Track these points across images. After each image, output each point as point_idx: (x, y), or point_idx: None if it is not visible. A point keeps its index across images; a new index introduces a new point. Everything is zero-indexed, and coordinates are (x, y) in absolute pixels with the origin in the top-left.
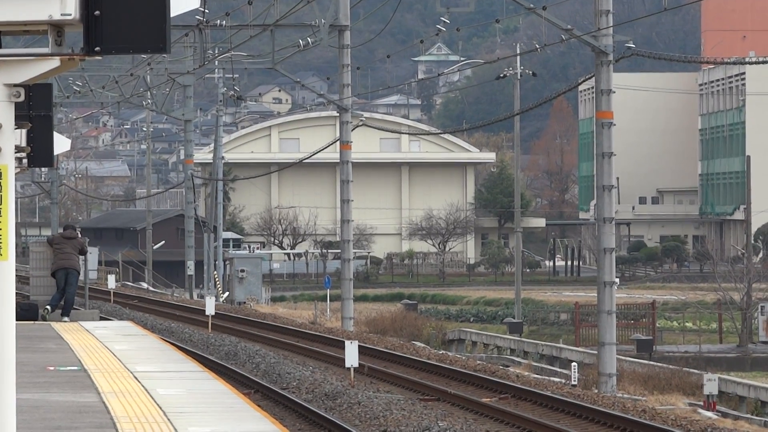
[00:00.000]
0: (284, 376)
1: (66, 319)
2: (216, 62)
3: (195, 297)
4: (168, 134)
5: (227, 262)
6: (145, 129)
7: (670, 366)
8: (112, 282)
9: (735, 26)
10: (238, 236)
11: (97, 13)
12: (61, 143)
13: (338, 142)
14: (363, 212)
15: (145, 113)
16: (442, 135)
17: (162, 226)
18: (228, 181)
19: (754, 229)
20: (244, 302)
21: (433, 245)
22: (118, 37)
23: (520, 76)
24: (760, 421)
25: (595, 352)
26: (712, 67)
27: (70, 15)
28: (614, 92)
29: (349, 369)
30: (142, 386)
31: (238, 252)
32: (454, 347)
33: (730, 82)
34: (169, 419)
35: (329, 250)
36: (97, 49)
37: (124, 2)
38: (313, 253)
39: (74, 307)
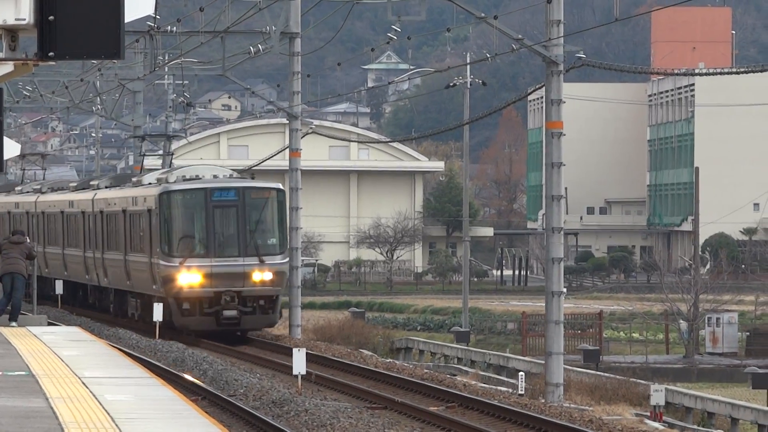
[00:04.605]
0: (231, 383)
1: (14, 324)
2: (166, 68)
3: None
4: (117, 140)
5: None
6: (94, 135)
7: (617, 376)
8: (59, 287)
9: (685, 38)
10: None
11: (51, 18)
12: (10, 148)
13: (287, 150)
14: (311, 220)
15: (95, 119)
16: (391, 143)
17: None
18: None
19: (701, 240)
20: None
21: (381, 253)
22: (72, 43)
23: (470, 85)
24: None
25: (542, 361)
26: (661, 78)
27: (24, 20)
28: (564, 102)
29: (296, 376)
30: (90, 392)
31: None
32: (402, 356)
33: (680, 93)
34: (117, 425)
35: None
36: (51, 54)
37: (78, 8)
38: None
39: (21, 312)
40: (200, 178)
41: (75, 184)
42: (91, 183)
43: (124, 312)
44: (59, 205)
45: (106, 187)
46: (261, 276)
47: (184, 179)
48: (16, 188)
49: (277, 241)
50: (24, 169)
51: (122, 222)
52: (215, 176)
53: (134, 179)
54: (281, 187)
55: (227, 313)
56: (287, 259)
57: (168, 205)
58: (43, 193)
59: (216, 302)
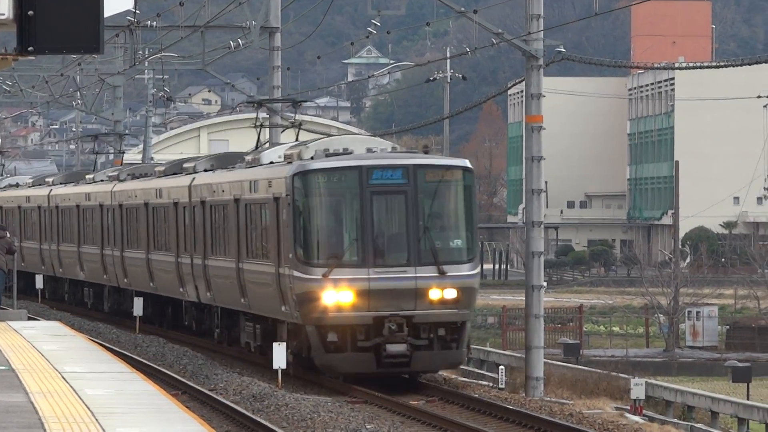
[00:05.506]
0: (212, 378)
1: None
2: (146, 63)
3: None
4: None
5: None
6: (74, 129)
7: (598, 370)
8: (39, 282)
9: (665, 32)
10: None
11: (30, 13)
12: None
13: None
14: None
15: (75, 113)
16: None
17: None
18: None
19: (681, 234)
20: None
21: None
22: (52, 37)
23: (450, 79)
24: (687, 426)
25: (523, 355)
26: (641, 72)
27: (4, 15)
28: (544, 96)
29: (276, 371)
30: (71, 386)
31: None
32: None
33: (659, 87)
34: (97, 420)
35: None
36: (31, 48)
37: (57, 3)
38: None
39: (1, 306)
40: (350, 153)
41: (163, 168)
42: (185, 165)
43: (234, 339)
44: (143, 195)
45: (206, 170)
46: (441, 294)
47: (327, 154)
48: (87, 177)
49: (464, 244)
50: (97, 153)
51: (234, 216)
52: (370, 150)
53: (248, 158)
54: (469, 165)
55: (392, 348)
56: (478, 270)
57: (305, 191)
58: (121, 180)
59: (376, 332)
